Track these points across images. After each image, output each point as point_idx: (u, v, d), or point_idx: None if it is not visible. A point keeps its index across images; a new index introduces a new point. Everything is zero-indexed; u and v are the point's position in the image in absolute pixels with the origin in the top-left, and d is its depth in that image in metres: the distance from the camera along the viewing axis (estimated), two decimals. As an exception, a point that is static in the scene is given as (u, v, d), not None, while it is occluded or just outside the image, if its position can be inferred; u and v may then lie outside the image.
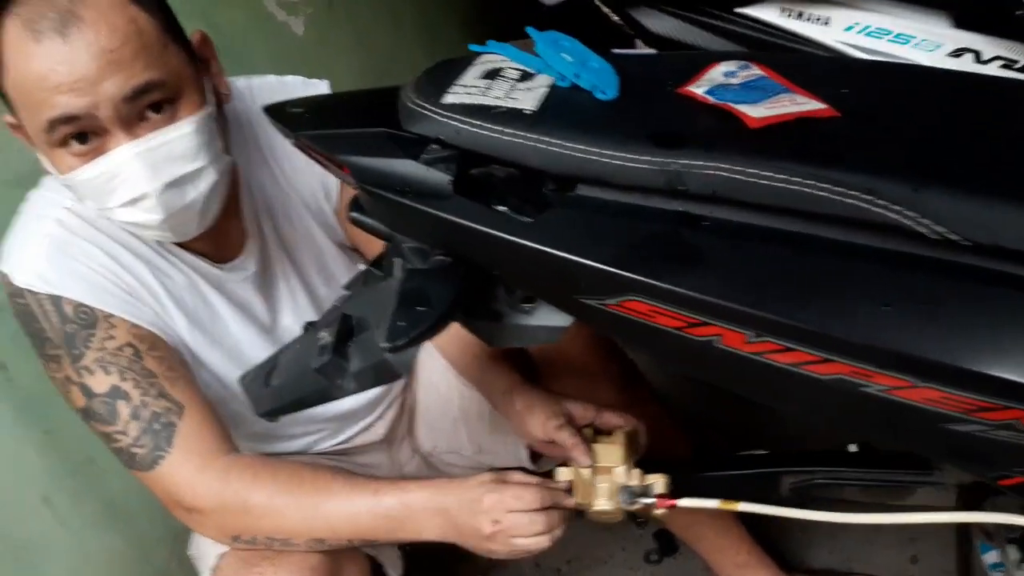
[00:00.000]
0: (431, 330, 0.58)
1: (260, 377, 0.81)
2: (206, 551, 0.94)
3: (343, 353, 0.70)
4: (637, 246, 0.53)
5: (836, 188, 0.49)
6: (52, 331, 0.83)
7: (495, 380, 0.99)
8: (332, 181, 1.00)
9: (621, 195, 0.55)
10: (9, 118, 0.82)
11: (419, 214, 0.58)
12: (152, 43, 0.76)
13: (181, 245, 0.91)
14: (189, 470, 0.83)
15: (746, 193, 0.51)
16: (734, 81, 0.60)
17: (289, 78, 1.02)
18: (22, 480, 1.06)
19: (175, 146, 0.78)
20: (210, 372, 0.96)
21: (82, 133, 0.76)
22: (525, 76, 0.62)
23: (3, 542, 1.04)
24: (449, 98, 0.59)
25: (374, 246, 1.06)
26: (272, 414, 0.78)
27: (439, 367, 1.12)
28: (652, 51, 0.67)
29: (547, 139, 0.55)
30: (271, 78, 1.01)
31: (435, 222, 0.58)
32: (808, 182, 0.50)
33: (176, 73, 0.78)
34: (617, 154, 0.53)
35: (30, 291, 0.83)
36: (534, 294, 0.60)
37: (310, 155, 0.65)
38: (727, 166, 0.51)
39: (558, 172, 0.56)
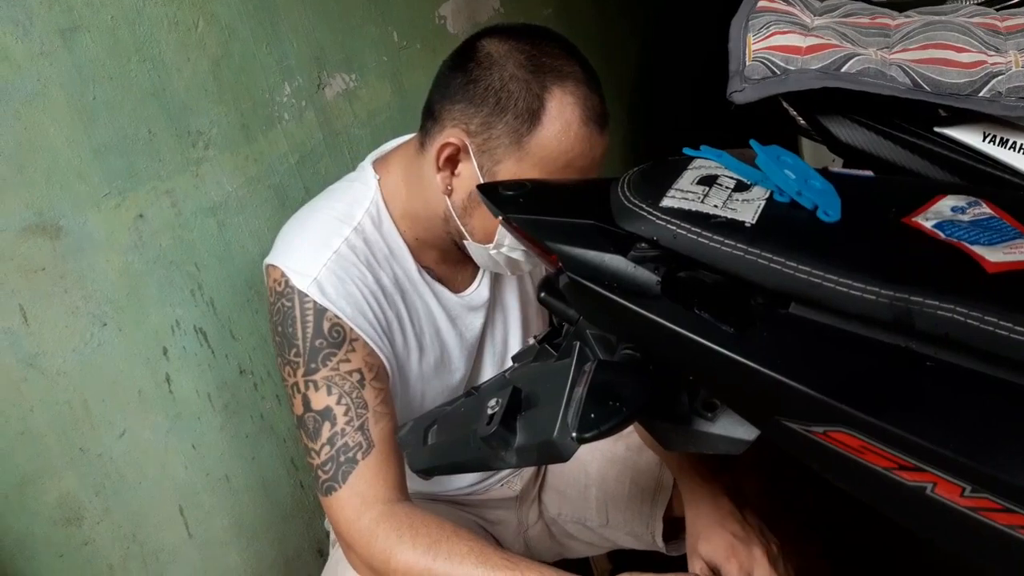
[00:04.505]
0: (620, 426, 0.58)
1: (418, 432, 0.83)
2: None
3: (510, 426, 0.71)
4: (855, 377, 0.51)
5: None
6: (302, 340, 0.87)
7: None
8: None
9: (839, 321, 0.53)
10: (462, 140, 0.87)
11: (622, 310, 0.59)
12: None
13: (430, 272, 0.98)
14: (350, 511, 0.86)
15: (979, 340, 0.49)
16: (963, 218, 0.58)
17: None
18: (165, 488, 1.12)
19: None
20: (421, 403, 1.00)
21: None
22: (740, 186, 0.63)
23: (136, 545, 1.09)
24: (667, 201, 0.60)
25: None
26: (428, 472, 0.80)
27: None
28: (867, 172, 0.66)
29: (768, 255, 0.55)
30: None
31: (638, 320, 0.58)
32: (1052, 339, 0.48)
33: None
34: (844, 281, 0.52)
35: (304, 296, 0.87)
36: (730, 406, 0.59)
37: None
38: (964, 310, 0.49)
39: (774, 289, 0.56)
